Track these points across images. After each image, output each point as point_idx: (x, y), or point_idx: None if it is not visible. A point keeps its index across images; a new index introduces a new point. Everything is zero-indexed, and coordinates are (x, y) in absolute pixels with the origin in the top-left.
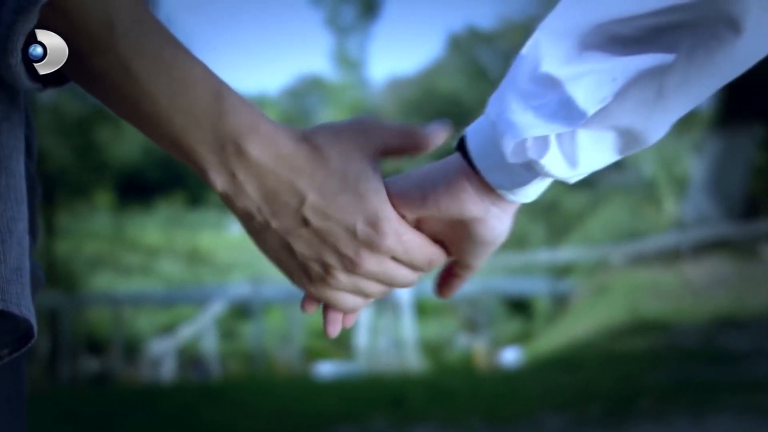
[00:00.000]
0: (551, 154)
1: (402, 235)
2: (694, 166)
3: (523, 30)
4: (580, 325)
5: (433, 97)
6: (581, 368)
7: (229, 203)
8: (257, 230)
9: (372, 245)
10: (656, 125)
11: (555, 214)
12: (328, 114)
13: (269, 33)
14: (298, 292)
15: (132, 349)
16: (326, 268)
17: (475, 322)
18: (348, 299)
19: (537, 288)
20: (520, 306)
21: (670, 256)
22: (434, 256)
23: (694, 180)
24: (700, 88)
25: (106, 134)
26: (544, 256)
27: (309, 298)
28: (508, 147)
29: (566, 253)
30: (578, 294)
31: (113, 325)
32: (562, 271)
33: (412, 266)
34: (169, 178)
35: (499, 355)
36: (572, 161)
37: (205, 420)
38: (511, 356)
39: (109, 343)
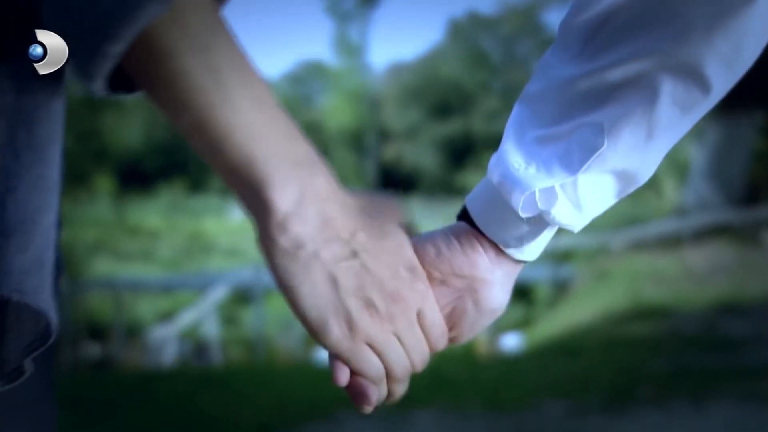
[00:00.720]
0: (560, 203)
1: (429, 290)
2: (695, 153)
3: (524, 15)
4: (580, 311)
5: (434, 82)
6: (582, 354)
7: (278, 229)
8: (303, 263)
9: (410, 287)
10: (648, 164)
11: None
12: (328, 99)
13: (270, 19)
14: None
15: (133, 334)
16: (367, 303)
17: None
18: (372, 360)
19: (537, 274)
20: (520, 292)
21: (671, 243)
22: (445, 334)
23: (695, 166)
24: (684, 122)
25: (107, 120)
26: None
27: (338, 364)
28: (518, 203)
29: (567, 239)
30: (579, 280)
31: (114, 311)
32: (563, 257)
33: (430, 335)
34: (170, 164)
35: (499, 341)
36: (577, 207)
37: (206, 406)
38: (511, 342)
39: (110, 329)
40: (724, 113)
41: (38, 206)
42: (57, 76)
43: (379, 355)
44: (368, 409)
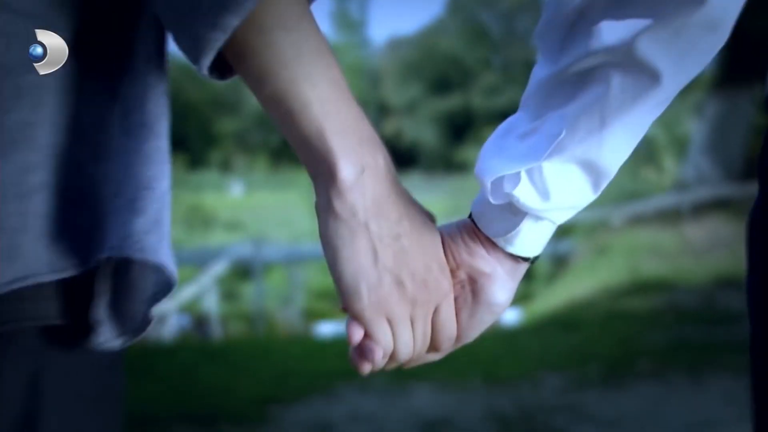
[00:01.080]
0: (522, 186)
1: (451, 293)
2: (695, 127)
3: None
4: (579, 285)
5: (433, 57)
6: (581, 328)
7: (337, 195)
8: (351, 228)
9: (436, 282)
10: (611, 154)
11: None
12: None
13: None
14: (298, 253)
15: None
16: (398, 282)
17: None
18: (387, 331)
19: None
20: None
21: (670, 217)
22: (451, 339)
23: (695, 140)
24: (640, 110)
25: None
26: None
27: (354, 323)
28: (488, 188)
29: None
30: (578, 254)
31: None
32: (562, 231)
33: (439, 334)
34: (169, 140)
35: None
36: (544, 194)
37: (205, 379)
38: (510, 316)
39: None
40: (723, 88)
41: (154, 174)
42: (161, 61)
43: (392, 331)
44: (368, 367)
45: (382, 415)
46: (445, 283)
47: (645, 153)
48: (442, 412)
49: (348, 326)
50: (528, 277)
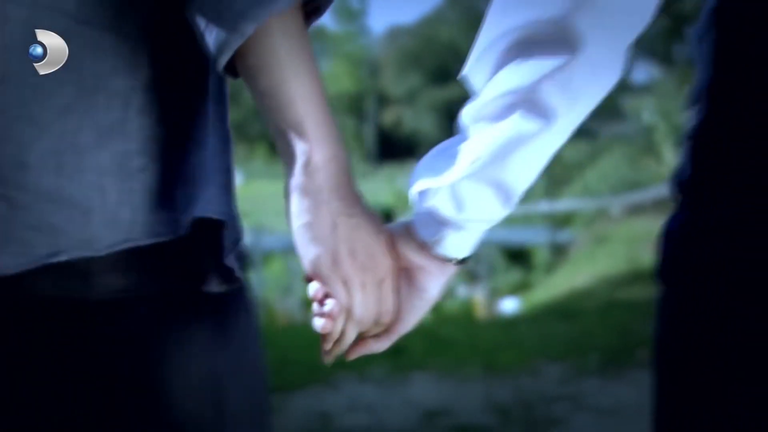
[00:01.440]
0: (439, 196)
1: (394, 272)
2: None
3: None
4: (578, 275)
5: (432, 46)
6: (580, 318)
7: (308, 175)
8: (317, 203)
9: (383, 257)
10: (516, 178)
11: (554, 165)
12: (328, 63)
13: None
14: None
15: None
16: (352, 251)
17: (475, 273)
18: (342, 290)
19: (536, 238)
20: (519, 256)
21: (670, 207)
22: (389, 312)
23: None
24: (539, 146)
25: None
26: (543, 206)
27: (316, 285)
28: (416, 197)
29: (566, 203)
30: (577, 244)
31: None
32: (562, 221)
33: (384, 305)
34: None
35: (498, 305)
36: (459, 206)
37: None
38: (510, 306)
39: None
40: None
41: (217, 149)
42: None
43: (347, 292)
44: (329, 324)
45: (381, 405)
46: (390, 262)
47: (644, 143)
48: (441, 401)
49: (310, 288)
50: (527, 266)
